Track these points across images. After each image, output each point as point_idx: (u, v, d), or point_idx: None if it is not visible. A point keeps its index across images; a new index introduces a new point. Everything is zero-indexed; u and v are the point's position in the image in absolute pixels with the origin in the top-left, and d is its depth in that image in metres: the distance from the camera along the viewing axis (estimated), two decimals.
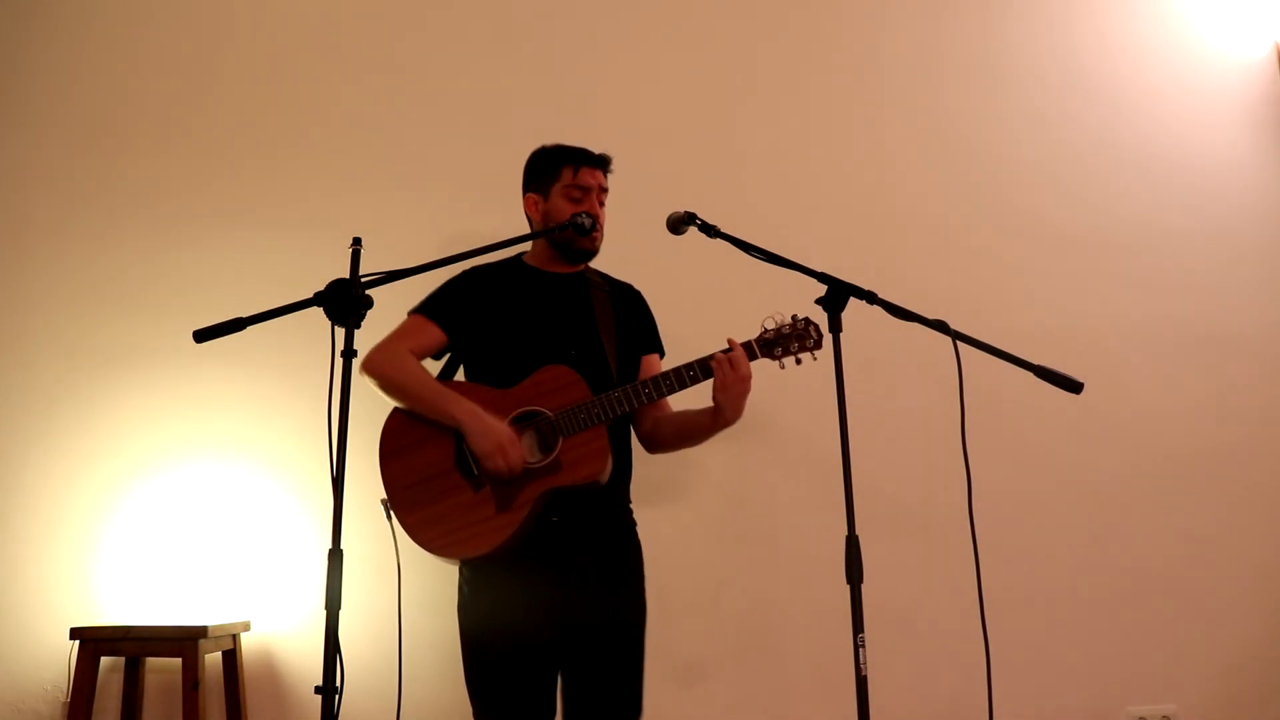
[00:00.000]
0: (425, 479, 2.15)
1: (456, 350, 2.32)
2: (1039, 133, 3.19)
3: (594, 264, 2.40)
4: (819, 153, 3.16)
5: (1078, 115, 3.21)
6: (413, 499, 2.14)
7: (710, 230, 2.10)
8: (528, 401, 2.15)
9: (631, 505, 2.31)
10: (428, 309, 2.29)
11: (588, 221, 2.23)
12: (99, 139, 3.11)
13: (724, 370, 2.10)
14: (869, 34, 3.26)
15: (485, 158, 3.06)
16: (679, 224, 2.14)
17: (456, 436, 2.14)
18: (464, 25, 3.21)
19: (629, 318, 2.37)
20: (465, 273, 2.33)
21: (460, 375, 2.35)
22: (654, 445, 2.36)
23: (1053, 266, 3.10)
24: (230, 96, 3.14)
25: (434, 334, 2.26)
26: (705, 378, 2.13)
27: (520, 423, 2.14)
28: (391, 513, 2.15)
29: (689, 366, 2.13)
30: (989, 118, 3.20)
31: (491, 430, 2.09)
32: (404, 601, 2.75)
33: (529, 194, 2.36)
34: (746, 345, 2.15)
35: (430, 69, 3.18)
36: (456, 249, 2.03)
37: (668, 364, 2.32)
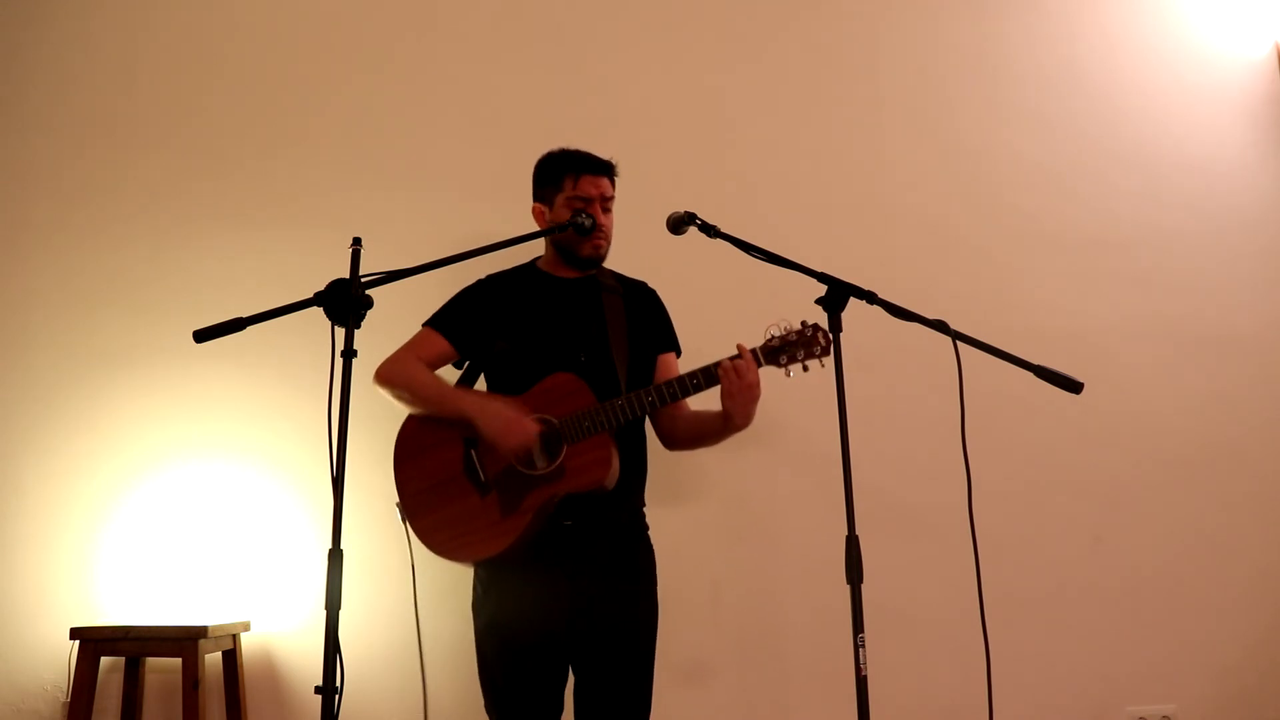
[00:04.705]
0: (434, 484, 2.20)
1: (472, 360, 2.36)
2: (1039, 133, 3.19)
3: (606, 263, 2.39)
4: (819, 153, 3.16)
5: (1078, 115, 3.21)
6: (423, 503, 2.20)
7: (710, 230, 2.10)
8: (534, 410, 2.17)
9: (645, 508, 2.34)
10: (436, 321, 2.33)
11: (588, 221, 2.23)
12: (99, 139, 3.10)
13: (730, 379, 2.09)
14: (869, 34, 3.26)
15: (486, 158, 3.07)
16: (679, 224, 2.14)
17: (465, 443, 2.19)
18: (466, 25, 3.21)
19: (642, 319, 2.37)
20: (478, 283, 2.37)
21: (481, 383, 2.38)
22: (671, 443, 2.38)
23: (1053, 266, 3.10)
24: (230, 96, 3.14)
25: (442, 346, 2.31)
26: (710, 385, 2.13)
27: None
28: (404, 516, 2.21)
29: (693, 375, 2.13)
30: (989, 118, 3.20)
31: (499, 412, 2.13)
32: (405, 597, 2.76)
33: (536, 204, 2.37)
34: (754, 352, 2.13)
35: (431, 69, 3.17)
36: (457, 249, 2.03)
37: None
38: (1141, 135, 3.21)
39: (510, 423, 2.12)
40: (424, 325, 2.34)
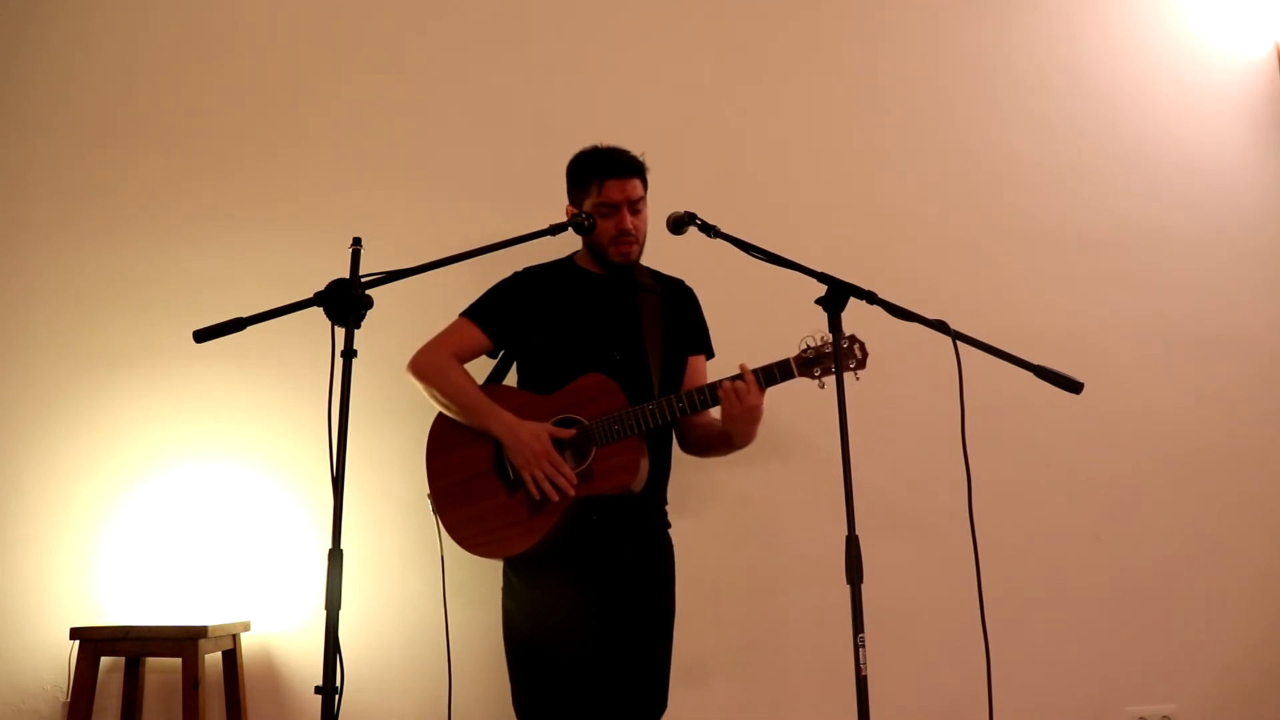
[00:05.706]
0: (465, 479, 2.23)
1: (507, 351, 2.38)
2: (1039, 133, 3.19)
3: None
4: (819, 153, 3.16)
5: (1078, 115, 3.20)
6: (452, 497, 2.24)
7: (710, 230, 2.10)
8: (565, 409, 2.20)
9: (668, 506, 2.36)
10: (474, 313, 2.35)
11: (587, 221, 2.24)
12: (99, 139, 3.10)
13: (730, 401, 2.12)
14: (869, 34, 3.26)
15: (486, 158, 3.07)
16: (679, 224, 2.14)
17: (495, 441, 2.21)
18: (466, 24, 3.20)
19: (677, 319, 2.39)
20: (515, 275, 2.39)
21: (514, 372, 2.41)
22: (684, 446, 2.41)
23: (1053, 266, 3.09)
24: (230, 96, 3.13)
25: (478, 338, 2.33)
26: (715, 403, 2.15)
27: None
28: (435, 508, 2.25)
29: (701, 391, 2.16)
30: (989, 118, 3.20)
31: (526, 446, 2.14)
32: (406, 597, 2.76)
33: (569, 204, 2.36)
34: (772, 368, 2.13)
35: (431, 68, 3.17)
36: (457, 249, 2.03)
37: None
38: (1141, 135, 3.21)
39: (539, 457, 2.13)
40: (461, 315, 2.35)
